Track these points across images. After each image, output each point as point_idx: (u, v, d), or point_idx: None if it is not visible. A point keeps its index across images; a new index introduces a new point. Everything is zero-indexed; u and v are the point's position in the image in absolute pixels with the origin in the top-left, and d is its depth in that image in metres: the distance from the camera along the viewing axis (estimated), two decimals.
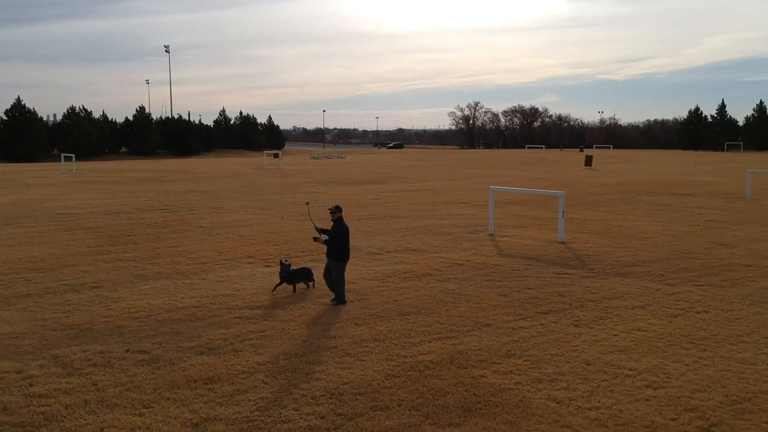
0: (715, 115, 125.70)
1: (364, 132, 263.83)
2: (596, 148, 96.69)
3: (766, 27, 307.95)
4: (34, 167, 62.07)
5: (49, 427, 6.96)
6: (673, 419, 7.14)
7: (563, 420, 7.11)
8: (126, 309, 11.45)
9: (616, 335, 10.06)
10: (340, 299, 11.77)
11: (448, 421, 7.08)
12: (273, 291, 12.53)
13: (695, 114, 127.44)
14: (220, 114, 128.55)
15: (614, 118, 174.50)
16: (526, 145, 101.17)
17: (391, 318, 10.94)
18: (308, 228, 16.63)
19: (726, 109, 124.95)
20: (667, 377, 8.33)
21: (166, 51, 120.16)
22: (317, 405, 7.49)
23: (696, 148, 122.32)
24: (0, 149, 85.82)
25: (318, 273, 12.91)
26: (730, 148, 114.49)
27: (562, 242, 18.37)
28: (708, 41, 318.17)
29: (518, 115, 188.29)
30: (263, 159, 66.79)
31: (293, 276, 12.59)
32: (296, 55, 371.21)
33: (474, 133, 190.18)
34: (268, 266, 15.01)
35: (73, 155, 54.17)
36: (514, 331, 10.25)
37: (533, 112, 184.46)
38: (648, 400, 7.65)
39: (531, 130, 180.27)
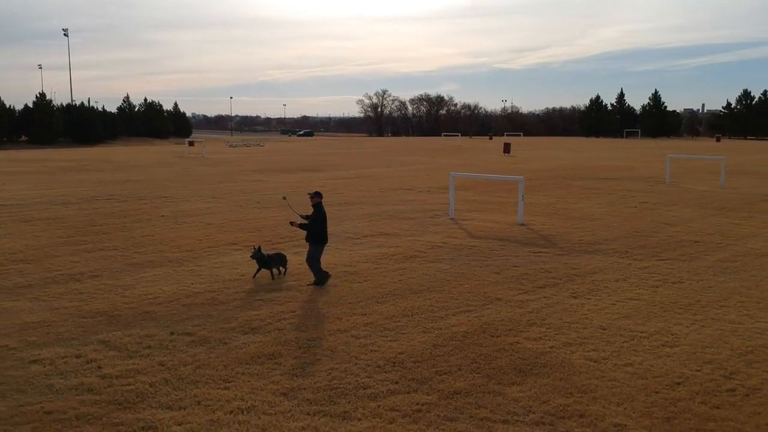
0: (615, 104, 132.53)
1: (268, 119, 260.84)
2: (507, 135, 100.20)
3: (652, 20, 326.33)
4: None
5: (145, 402, 7.34)
6: (698, 370, 8.28)
7: (607, 375, 8.11)
8: (143, 295, 11.68)
9: (614, 304, 11.21)
10: (317, 281, 12.30)
11: (509, 381, 7.94)
12: (253, 277, 12.87)
13: (596, 102, 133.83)
14: (124, 101, 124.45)
15: (515, 107, 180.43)
16: (443, 133, 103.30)
17: (406, 296, 11.70)
18: (276, 216, 17.03)
19: (624, 98, 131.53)
20: (676, 337, 9.51)
21: (64, 35, 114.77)
22: (386, 372, 8.18)
23: (597, 135, 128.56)
24: None
25: (301, 260, 13.33)
26: (629, 134, 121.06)
27: (522, 224, 19.57)
28: (599, 32, 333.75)
29: (425, 103, 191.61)
30: (185, 147, 65.41)
31: (269, 261, 12.90)
32: (194, 40, 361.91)
33: (382, 121, 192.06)
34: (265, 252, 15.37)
35: None
36: (524, 304, 11.23)
37: (439, 101, 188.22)
38: (669, 356, 8.77)
39: (437, 118, 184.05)
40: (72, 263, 14.37)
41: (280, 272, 13.08)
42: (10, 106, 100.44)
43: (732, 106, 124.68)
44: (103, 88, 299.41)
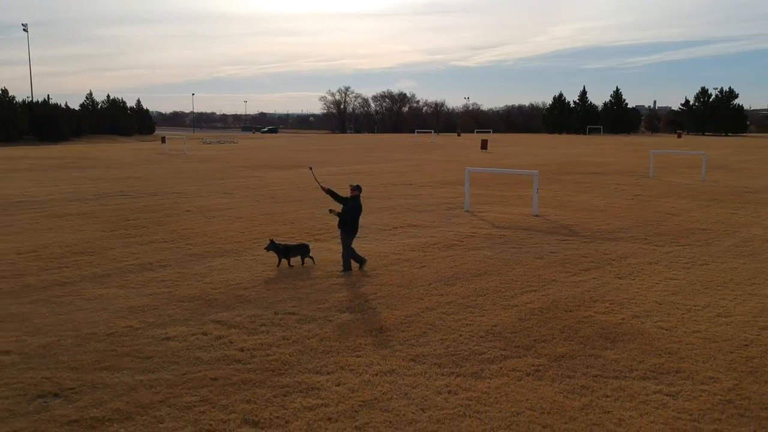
0: (577, 101, 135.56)
1: (224, 116, 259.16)
2: (477, 132, 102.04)
3: (603, 18, 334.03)
4: None
5: (294, 369, 8.31)
6: (757, 335, 9.58)
7: (682, 340, 9.36)
8: (225, 282, 12.57)
9: (658, 284, 12.50)
10: (345, 267, 13.24)
11: (601, 346, 9.12)
12: (278, 266, 13.63)
13: (559, 100, 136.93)
14: (87, 98, 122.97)
15: (476, 104, 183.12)
16: (416, 130, 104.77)
17: (468, 279, 12.82)
18: (299, 210, 17.83)
19: (587, 96, 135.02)
20: (726, 309, 10.83)
21: (24, 30, 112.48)
22: (491, 342, 9.29)
23: (560, 132, 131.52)
24: None
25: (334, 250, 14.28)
26: (591, 131, 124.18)
27: (537, 215, 20.85)
28: (553, 30, 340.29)
29: (387, 100, 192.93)
30: (160, 145, 65.34)
31: (285, 251, 13.72)
32: (146, 36, 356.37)
33: (345, 118, 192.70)
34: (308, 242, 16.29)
35: None
36: (578, 284, 12.45)
37: (401, 98, 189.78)
38: (727, 324, 10.06)
39: (400, 115, 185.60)
40: (132, 254, 15.09)
41: (303, 263, 13.74)
42: None
43: (690, 103, 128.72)
44: (54, 85, 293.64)
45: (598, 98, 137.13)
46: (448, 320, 10.16)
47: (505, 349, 8.92)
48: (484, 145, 62.18)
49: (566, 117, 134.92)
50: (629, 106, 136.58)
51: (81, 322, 10.10)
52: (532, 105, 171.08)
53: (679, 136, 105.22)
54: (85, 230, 18.10)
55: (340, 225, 13.34)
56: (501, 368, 8.25)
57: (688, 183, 31.26)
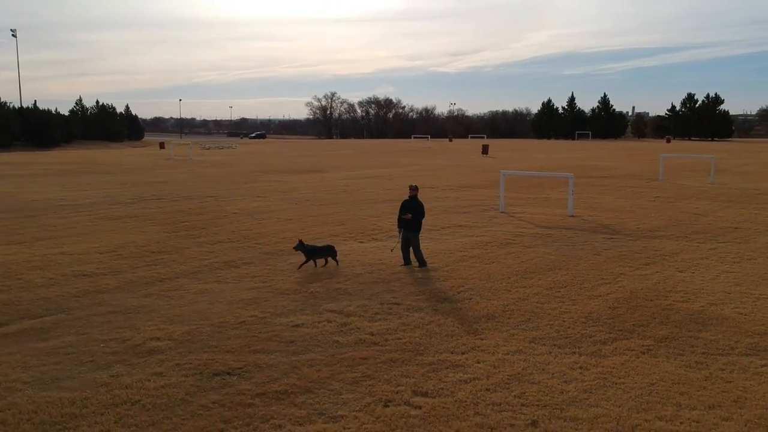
0: (566, 107, 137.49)
1: (205, 121, 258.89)
2: (471, 137, 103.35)
3: (579, 24, 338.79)
4: None
5: (431, 349, 9.22)
6: None
7: (765, 323, 10.38)
8: (315, 276, 13.40)
9: (717, 276, 13.53)
10: (422, 263, 14.17)
11: (695, 329, 10.11)
12: (299, 268, 13.93)
13: (548, 106, 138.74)
14: (76, 103, 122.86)
15: (461, 109, 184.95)
16: (412, 136, 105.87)
17: (542, 273, 13.78)
18: (342, 212, 18.77)
19: (575, 101, 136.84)
20: None
21: (13, 35, 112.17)
22: (594, 326, 10.25)
23: (549, 137, 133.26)
24: None
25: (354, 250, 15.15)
26: (580, 136, 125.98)
27: (572, 216, 21.89)
28: (531, 36, 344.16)
29: (373, 105, 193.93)
30: (170, 150, 65.84)
31: (312, 252, 14.26)
32: (123, 41, 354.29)
33: (331, 123, 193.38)
34: (369, 241, 17.22)
35: None
36: (646, 277, 13.45)
37: (388, 103, 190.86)
38: None
39: (386, 121, 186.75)
40: (209, 253, 15.88)
41: (326, 262, 14.19)
42: None
43: (677, 109, 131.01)
44: (33, 90, 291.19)
45: (577, 103, 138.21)
46: (545, 309, 11.09)
47: (610, 333, 9.86)
48: (485, 150, 63.33)
49: (555, 122, 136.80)
50: (584, 112, 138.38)
51: (205, 312, 10.92)
52: (516, 110, 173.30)
53: (668, 141, 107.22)
54: (148, 231, 18.82)
55: (410, 226, 14.08)
56: (615, 348, 9.20)
57: (698, 186, 32.47)
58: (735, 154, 65.22)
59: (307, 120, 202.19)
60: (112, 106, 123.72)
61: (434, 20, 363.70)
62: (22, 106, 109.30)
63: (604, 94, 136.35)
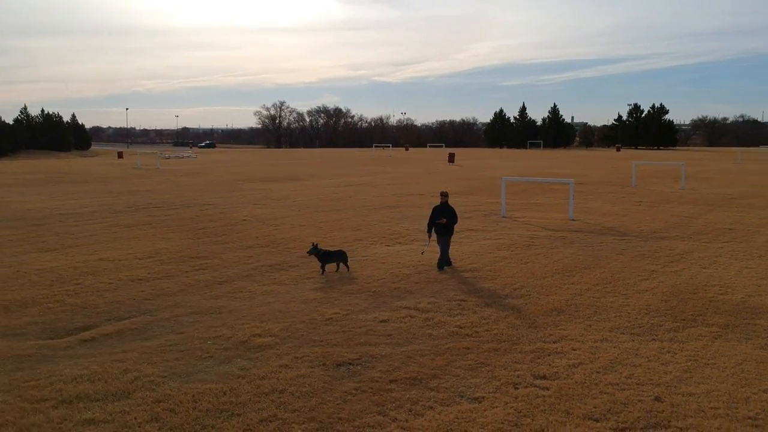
0: (518, 117, 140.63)
1: (145, 131, 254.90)
2: (430, 146, 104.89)
3: (519, 36, 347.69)
4: None
5: (524, 339, 9.95)
6: None
7: None
8: (374, 277, 14.03)
9: (740, 271, 14.65)
10: (448, 263, 14.93)
11: (748, 317, 11.09)
12: (322, 274, 14.19)
13: (500, 115, 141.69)
14: (21, 112, 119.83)
15: (410, 119, 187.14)
16: (374, 144, 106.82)
17: (580, 271, 14.68)
18: (351, 218, 19.35)
19: (527, 111, 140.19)
20: None
21: None
22: (657, 317, 11.14)
23: (501, 146, 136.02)
24: None
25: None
26: (532, 145, 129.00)
27: (573, 219, 22.98)
28: (472, 48, 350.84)
29: (323, 114, 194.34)
30: (136, 159, 65.02)
31: (325, 256, 14.55)
32: (56, 48, 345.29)
33: (280, 133, 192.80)
34: (394, 245, 17.91)
35: None
36: (678, 273, 14.47)
37: (337, 113, 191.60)
38: None
39: (336, 130, 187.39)
40: (246, 258, 16.29)
41: (338, 267, 14.41)
42: None
43: (623, 119, 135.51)
44: None
45: (514, 113, 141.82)
46: (604, 302, 11.96)
47: (675, 322, 10.77)
48: (451, 158, 64.58)
49: (507, 131, 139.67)
50: (536, 122, 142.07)
51: (288, 311, 11.41)
52: (464, 120, 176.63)
53: (618, 150, 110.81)
54: (172, 238, 19.05)
55: (444, 231, 14.80)
56: (689, 334, 10.10)
57: (672, 191, 34.13)
58: (688, 162, 67.94)
59: (255, 129, 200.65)
60: (58, 114, 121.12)
61: (376, 30, 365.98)
62: None
63: (554, 104, 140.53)
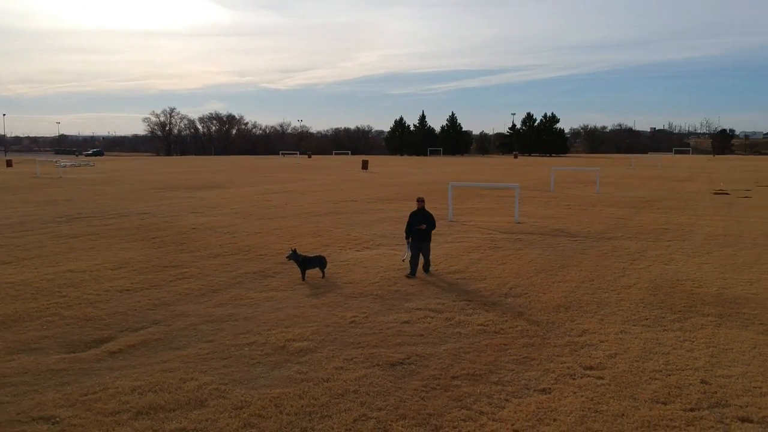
0: (417, 125, 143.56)
1: (17, 138, 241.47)
2: (336, 153, 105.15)
3: (406, 46, 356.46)
4: None
5: (551, 333, 10.48)
6: None
7: None
8: (361, 281, 14.19)
9: (700, 267, 15.83)
10: (428, 267, 15.12)
11: (734, 307, 12.11)
12: (303, 280, 14.13)
13: (400, 123, 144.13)
14: None
15: (305, 126, 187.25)
16: (280, 152, 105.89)
17: (556, 270, 15.46)
18: (302, 225, 19.50)
19: (426, 119, 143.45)
20: None
21: None
22: (654, 310, 11.97)
23: (401, 153, 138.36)
24: None
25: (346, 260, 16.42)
26: (432, 152, 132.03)
27: (519, 222, 24.02)
28: (360, 56, 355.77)
29: (215, 122, 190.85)
30: (36, 167, 61.44)
31: (305, 262, 14.54)
32: None
33: (171, 140, 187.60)
34: (364, 250, 18.05)
35: None
36: (647, 269, 15.52)
37: (230, 119, 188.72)
38: None
39: (229, 137, 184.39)
40: (223, 266, 16.07)
41: (324, 275, 14.41)
42: None
43: (517, 127, 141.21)
44: None
45: (407, 121, 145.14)
46: (600, 298, 12.73)
47: (674, 313, 11.65)
48: (364, 165, 65.14)
49: (407, 139, 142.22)
50: (435, 130, 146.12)
51: (306, 316, 11.47)
52: (359, 128, 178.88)
53: (516, 157, 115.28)
54: (131, 248, 18.45)
55: (423, 237, 15.01)
56: (692, 324, 10.97)
57: (589, 195, 36.12)
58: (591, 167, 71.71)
59: (141, 137, 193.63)
60: None
61: (262, 37, 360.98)
62: None
63: (452, 113, 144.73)
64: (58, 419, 7.20)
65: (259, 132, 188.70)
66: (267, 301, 12.42)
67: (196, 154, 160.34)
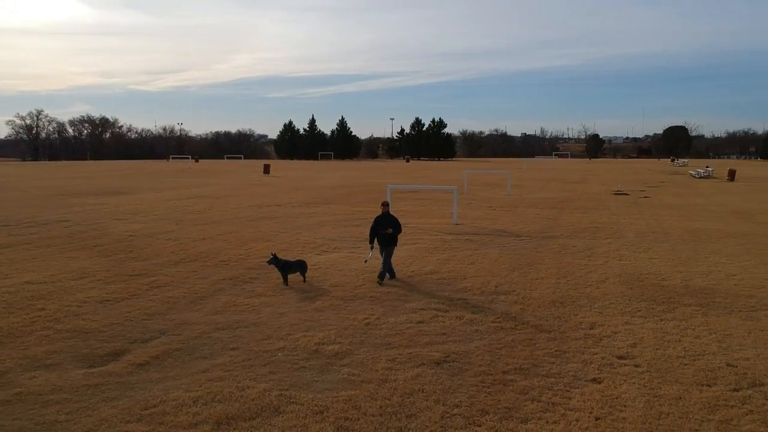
0: (307, 129, 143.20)
1: None
2: (228, 158, 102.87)
3: (280, 50, 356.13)
4: None
5: (563, 327, 11.02)
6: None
7: (733, 287, 13.90)
8: (343, 284, 14.13)
9: (652, 260, 16.98)
10: (393, 274, 14.93)
11: (707, 297, 13.16)
12: (286, 285, 13.93)
13: (290, 127, 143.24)
14: None
15: (184, 130, 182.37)
16: (171, 156, 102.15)
17: (527, 268, 16.11)
18: (243, 230, 19.40)
19: (316, 123, 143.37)
20: (725, 267, 15.71)
21: None
22: (641, 302, 12.79)
23: (292, 157, 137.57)
24: None
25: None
26: (323, 156, 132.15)
27: (457, 223, 24.74)
28: (234, 58, 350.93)
29: (87, 125, 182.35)
30: None
31: (286, 266, 14.40)
32: None
33: (38, 144, 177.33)
34: (326, 253, 18.04)
35: None
36: (606, 265, 16.46)
37: (104, 122, 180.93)
38: (741, 274, 14.90)
39: (102, 141, 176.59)
40: (191, 272, 15.59)
41: (305, 279, 14.32)
42: None
43: (407, 132, 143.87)
44: None
45: (280, 126, 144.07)
46: (584, 293, 13.43)
47: (660, 304, 12.50)
48: (266, 169, 64.34)
49: (297, 143, 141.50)
50: (325, 134, 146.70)
51: (316, 321, 11.42)
52: (240, 131, 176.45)
53: (408, 161, 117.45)
54: (78, 257, 17.53)
55: (390, 242, 14.94)
56: (683, 313, 11.84)
57: (501, 197, 37.61)
58: (480, 172, 74.31)
59: (7, 139, 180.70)
60: None
61: (129, 37, 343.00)
62: None
63: (342, 117, 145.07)
64: None
65: (134, 136, 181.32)
66: (265, 307, 12.20)
67: (67, 159, 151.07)
